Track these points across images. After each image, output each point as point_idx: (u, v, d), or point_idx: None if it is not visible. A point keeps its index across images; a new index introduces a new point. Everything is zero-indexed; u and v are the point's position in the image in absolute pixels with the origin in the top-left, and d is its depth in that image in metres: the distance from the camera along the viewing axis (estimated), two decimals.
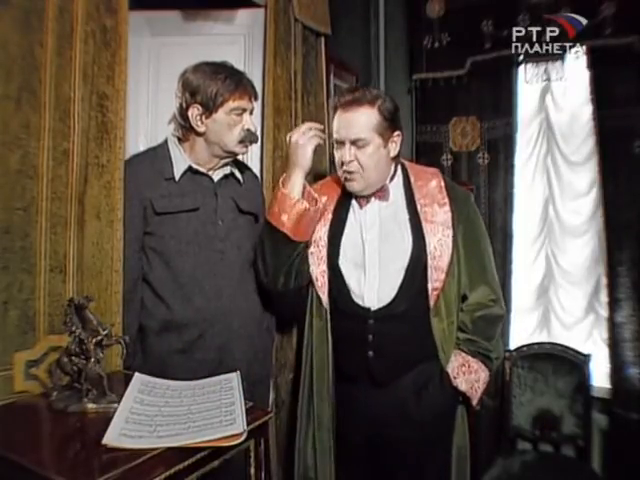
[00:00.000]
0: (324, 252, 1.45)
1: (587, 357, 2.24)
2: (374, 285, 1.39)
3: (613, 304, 2.24)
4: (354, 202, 1.48)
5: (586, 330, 2.48)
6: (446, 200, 1.43)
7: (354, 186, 1.41)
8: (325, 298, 1.45)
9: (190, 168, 1.41)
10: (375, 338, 1.38)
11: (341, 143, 1.39)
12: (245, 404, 0.98)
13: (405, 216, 1.43)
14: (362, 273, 1.40)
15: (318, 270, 1.45)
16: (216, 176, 1.46)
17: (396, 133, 1.43)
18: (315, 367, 1.46)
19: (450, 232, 1.40)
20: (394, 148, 1.44)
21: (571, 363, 2.25)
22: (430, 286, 1.38)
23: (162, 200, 1.36)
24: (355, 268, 1.42)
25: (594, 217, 2.41)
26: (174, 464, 0.80)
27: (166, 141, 1.46)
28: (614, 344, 2.24)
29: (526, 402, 2.28)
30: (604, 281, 2.33)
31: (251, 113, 1.44)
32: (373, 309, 1.39)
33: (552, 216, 2.55)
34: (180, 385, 1.09)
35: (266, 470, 0.99)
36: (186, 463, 0.81)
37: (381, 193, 1.44)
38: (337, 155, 1.42)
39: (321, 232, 1.47)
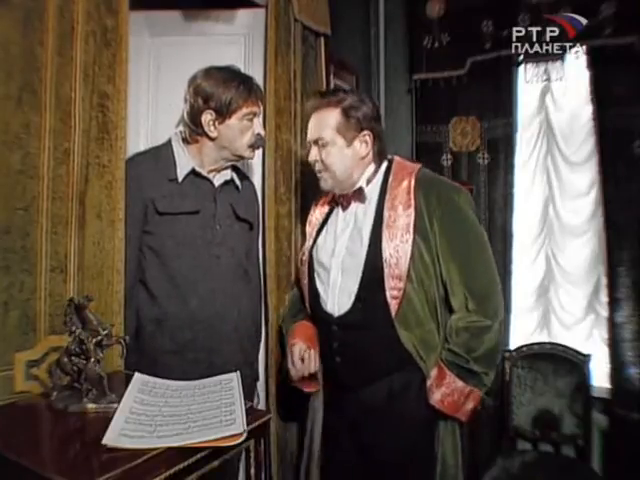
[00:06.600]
0: (306, 267, 1.52)
1: (587, 357, 2.24)
2: (335, 292, 1.40)
3: (613, 304, 2.24)
4: (337, 207, 1.52)
5: (586, 330, 2.48)
6: (412, 202, 1.34)
7: (323, 184, 1.46)
8: (308, 306, 1.53)
9: (193, 171, 1.42)
10: (340, 345, 1.39)
11: (309, 144, 1.46)
12: (245, 404, 0.98)
13: (370, 221, 1.39)
14: (327, 279, 1.43)
15: (304, 283, 1.53)
16: (217, 181, 1.48)
17: (364, 133, 1.41)
18: None
19: (409, 237, 1.31)
20: (364, 148, 1.41)
21: (571, 363, 2.26)
22: (388, 295, 1.32)
23: (164, 200, 1.37)
24: (324, 274, 1.45)
25: (594, 217, 2.41)
26: (174, 464, 0.80)
27: (169, 141, 1.47)
28: (614, 344, 2.24)
29: (526, 402, 2.28)
30: (604, 281, 2.33)
31: (258, 117, 1.48)
32: (335, 316, 1.39)
33: (552, 216, 2.55)
34: (180, 385, 1.09)
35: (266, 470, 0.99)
36: (186, 463, 0.81)
37: (357, 196, 1.45)
38: None
39: (305, 248, 1.55)
